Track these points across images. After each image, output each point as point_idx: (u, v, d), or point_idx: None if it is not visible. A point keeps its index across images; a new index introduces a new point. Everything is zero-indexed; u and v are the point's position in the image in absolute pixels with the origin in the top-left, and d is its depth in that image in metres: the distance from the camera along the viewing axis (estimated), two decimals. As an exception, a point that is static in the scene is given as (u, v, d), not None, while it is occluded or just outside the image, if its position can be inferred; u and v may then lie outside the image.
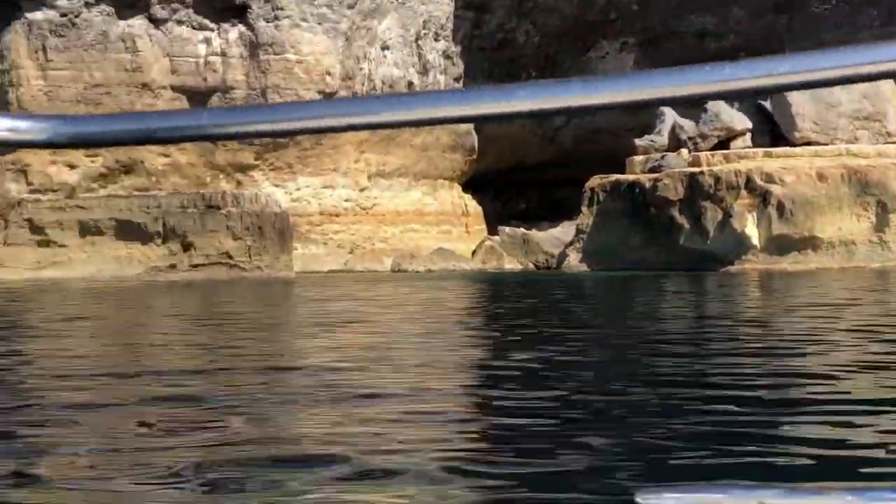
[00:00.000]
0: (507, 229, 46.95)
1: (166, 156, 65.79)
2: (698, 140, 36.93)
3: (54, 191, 64.23)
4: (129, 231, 56.79)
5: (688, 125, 37.40)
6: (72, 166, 64.70)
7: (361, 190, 68.20)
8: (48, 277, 56.35)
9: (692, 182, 34.30)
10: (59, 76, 64.87)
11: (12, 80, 65.53)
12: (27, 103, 62.78)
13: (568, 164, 48.88)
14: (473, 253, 47.49)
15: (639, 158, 37.74)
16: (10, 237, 59.68)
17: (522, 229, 45.96)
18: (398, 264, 49.64)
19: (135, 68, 64.70)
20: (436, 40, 53.23)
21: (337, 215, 66.95)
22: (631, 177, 37.38)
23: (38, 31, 62.24)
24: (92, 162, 64.98)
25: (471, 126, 49.42)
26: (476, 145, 52.21)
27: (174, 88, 64.98)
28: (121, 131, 0.92)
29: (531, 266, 43.12)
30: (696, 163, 35.49)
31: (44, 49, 63.32)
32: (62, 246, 58.05)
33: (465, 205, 51.15)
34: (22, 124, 0.90)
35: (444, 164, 55.22)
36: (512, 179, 53.36)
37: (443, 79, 52.63)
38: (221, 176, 65.73)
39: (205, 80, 65.60)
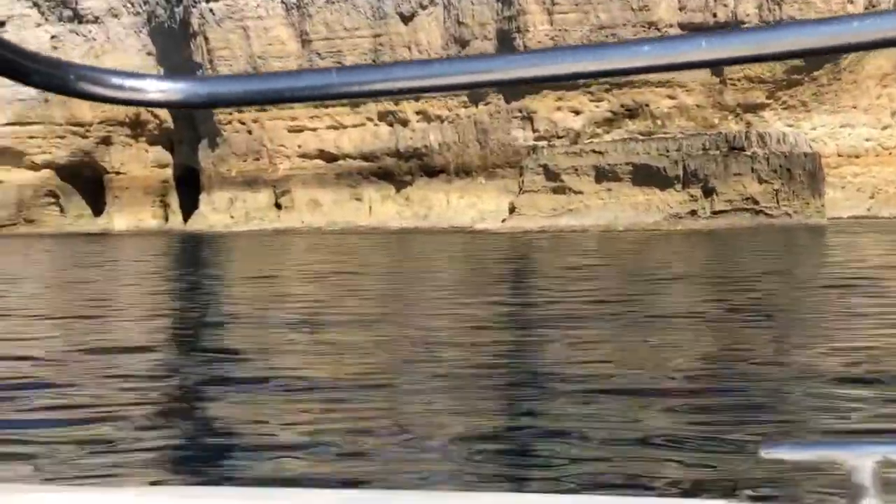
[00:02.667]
0: None
1: (672, 98, 63.35)
2: None
3: (559, 137, 63.47)
4: (646, 176, 54.83)
5: None
6: (576, 112, 63.66)
7: (884, 128, 62.66)
8: (564, 225, 55.57)
9: None
10: (565, 19, 63.92)
11: (519, 26, 65.41)
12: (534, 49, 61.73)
13: None
14: None
15: None
16: (526, 184, 59.36)
17: None
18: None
19: (641, 7, 62.61)
20: None
21: (856, 156, 62.07)
22: None
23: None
24: (596, 107, 63.66)
25: None
26: None
27: (682, 26, 62.35)
28: (251, 91, 0.95)
29: None
30: None
31: (554, -7, 61.65)
32: (577, 192, 57.04)
33: None
34: (160, 85, 0.94)
35: None
36: None
37: None
38: (730, 116, 62.50)
39: (714, 15, 62.58)
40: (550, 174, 58.03)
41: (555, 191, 57.62)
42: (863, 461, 1.17)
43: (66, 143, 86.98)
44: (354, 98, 1.00)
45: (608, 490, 4.83)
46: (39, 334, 12.72)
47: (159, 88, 0.95)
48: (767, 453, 1.21)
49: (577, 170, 57.25)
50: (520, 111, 65.20)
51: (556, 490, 4.81)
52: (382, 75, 0.96)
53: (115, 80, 0.95)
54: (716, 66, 0.98)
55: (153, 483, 5.18)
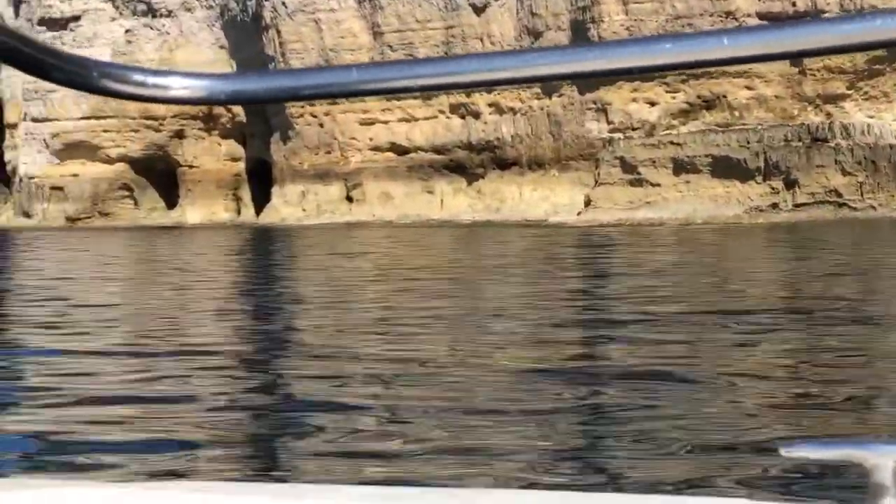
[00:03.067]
0: None
1: (750, 88, 62.04)
2: None
3: (634, 128, 62.46)
4: (726, 168, 53.71)
5: None
6: (652, 103, 62.56)
7: (972, 119, 60.85)
8: (641, 218, 54.61)
9: None
10: (640, 9, 62.88)
11: (594, 16, 64.50)
12: (609, 39, 60.69)
13: None
14: None
15: None
16: (602, 176, 58.48)
17: None
18: None
19: (719, -4, 61.47)
20: None
21: (943, 148, 60.28)
22: None
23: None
24: (672, 98, 62.52)
25: None
26: None
27: (760, 15, 61.07)
28: (274, 88, 0.96)
29: None
30: None
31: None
32: (655, 185, 56.04)
33: None
34: (184, 82, 0.95)
35: None
36: None
37: None
38: (810, 107, 61.05)
39: (793, 4, 61.19)
40: (627, 166, 57.07)
41: (631, 183, 56.66)
42: (884, 460, 1.15)
43: (139, 137, 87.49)
44: (374, 95, 0.99)
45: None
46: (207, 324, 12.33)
47: (182, 85, 0.95)
48: (788, 452, 1.20)
49: (654, 162, 56.23)
50: (594, 103, 64.29)
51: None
52: (402, 72, 0.96)
53: (138, 77, 0.95)
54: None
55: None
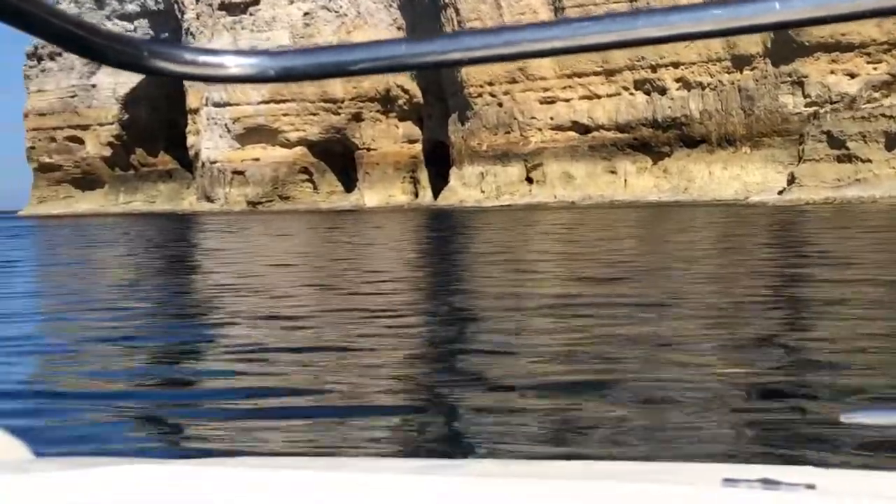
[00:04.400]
0: None
1: (960, 55, 57.87)
2: None
3: (832, 102, 58.99)
4: (941, 142, 50.01)
5: None
6: (851, 75, 58.99)
7: None
8: (851, 196, 51.32)
9: None
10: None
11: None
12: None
13: None
14: None
15: None
16: (807, 153, 55.29)
17: None
18: None
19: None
20: None
21: None
22: None
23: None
24: (874, 69, 58.80)
25: None
26: None
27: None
28: (324, 63, 0.97)
29: None
30: None
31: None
32: (866, 161, 52.52)
33: None
34: (235, 60, 0.96)
35: None
36: None
37: None
38: None
39: None
40: (835, 142, 53.65)
41: (839, 159, 53.25)
42: None
43: (318, 121, 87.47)
44: (424, 68, 0.99)
45: None
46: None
47: (234, 63, 0.96)
48: (848, 418, 1.18)
49: (864, 136, 52.70)
50: (789, 76, 61.03)
51: None
52: (453, 44, 0.96)
53: (188, 56, 0.97)
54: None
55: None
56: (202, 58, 0.97)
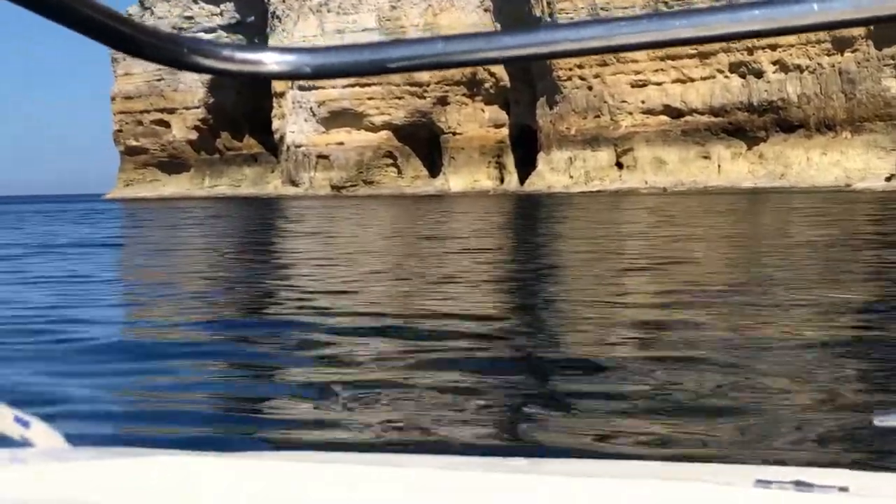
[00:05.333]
0: None
1: None
2: None
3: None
4: None
5: None
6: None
7: None
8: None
9: None
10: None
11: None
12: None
13: None
14: None
15: None
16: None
17: None
18: None
19: None
20: None
21: None
22: None
23: None
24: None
25: None
26: None
27: None
28: (359, 61, 0.98)
29: None
30: None
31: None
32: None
33: None
34: (271, 56, 0.98)
35: None
36: None
37: None
38: None
39: None
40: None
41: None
42: None
43: (403, 104, 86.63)
44: (460, 66, 1.00)
45: None
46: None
47: (272, 60, 0.98)
48: (882, 422, 1.16)
49: None
50: (892, 58, 58.86)
51: None
52: (490, 43, 0.97)
53: (226, 53, 0.98)
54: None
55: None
56: (240, 54, 0.98)
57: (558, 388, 6.35)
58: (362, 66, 0.97)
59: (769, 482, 0.96)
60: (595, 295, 11.22)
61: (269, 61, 0.97)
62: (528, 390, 6.34)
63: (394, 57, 0.97)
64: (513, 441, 5.16)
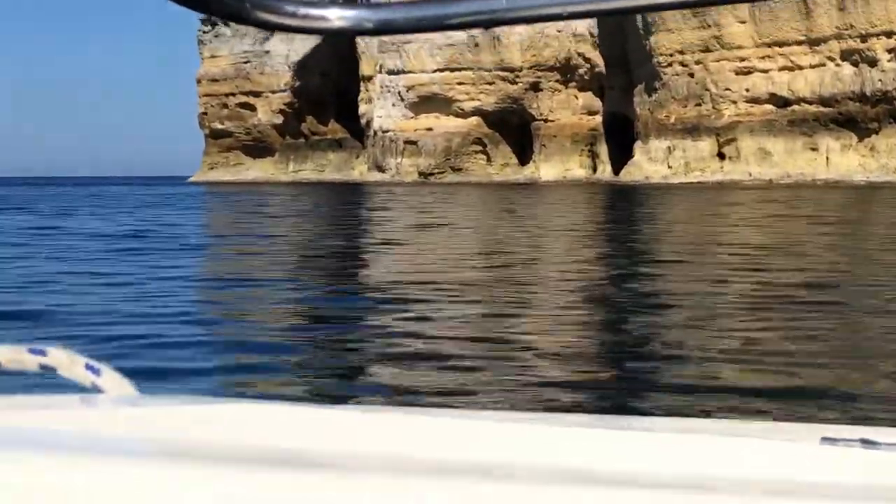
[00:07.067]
0: None
1: None
2: None
3: None
4: None
5: None
6: None
7: None
8: None
9: None
10: None
11: None
12: None
13: None
14: None
15: None
16: None
17: None
18: None
19: None
20: None
21: None
22: None
23: None
24: None
25: None
26: None
27: None
28: (420, 17, 0.98)
29: None
30: None
31: None
32: None
33: None
34: (334, 12, 0.98)
35: None
36: None
37: None
38: None
39: None
40: None
41: None
42: None
43: (494, 90, 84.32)
44: (523, 23, 0.98)
45: None
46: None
47: (335, 16, 0.98)
48: None
49: None
50: None
51: None
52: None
53: (290, 8, 0.98)
54: None
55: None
56: (303, 10, 0.98)
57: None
58: (423, 21, 0.96)
59: (835, 440, 0.95)
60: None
61: (332, 17, 0.97)
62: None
63: (454, 13, 0.96)
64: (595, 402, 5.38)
